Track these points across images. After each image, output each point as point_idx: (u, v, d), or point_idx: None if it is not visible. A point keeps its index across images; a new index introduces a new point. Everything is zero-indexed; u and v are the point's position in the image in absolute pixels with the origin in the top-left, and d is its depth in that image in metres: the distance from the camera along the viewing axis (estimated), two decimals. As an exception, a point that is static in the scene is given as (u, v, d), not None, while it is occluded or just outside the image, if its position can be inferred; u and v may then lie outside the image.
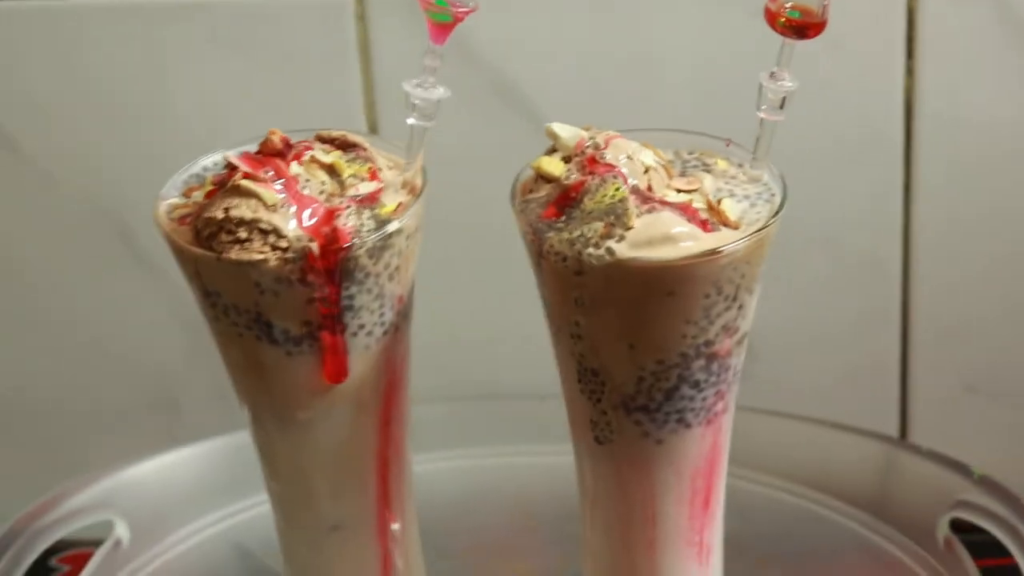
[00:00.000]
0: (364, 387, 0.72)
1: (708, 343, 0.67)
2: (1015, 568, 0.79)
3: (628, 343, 0.66)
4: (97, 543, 0.88)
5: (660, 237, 0.64)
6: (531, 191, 0.68)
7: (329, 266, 0.67)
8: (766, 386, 0.95)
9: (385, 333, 0.71)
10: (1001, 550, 0.81)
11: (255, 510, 0.90)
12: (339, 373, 0.71)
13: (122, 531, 0.88)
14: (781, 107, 0.67)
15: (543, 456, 0.90)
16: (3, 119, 0.97)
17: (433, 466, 0.91)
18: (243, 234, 0.67)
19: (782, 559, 0.86)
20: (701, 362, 0.67)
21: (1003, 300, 0.97)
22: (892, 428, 1.00)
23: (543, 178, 0.68)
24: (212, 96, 0.95)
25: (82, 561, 0.87)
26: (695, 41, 0.92)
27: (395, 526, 0.77)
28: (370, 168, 0.70)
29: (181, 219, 0.70)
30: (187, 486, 0.92)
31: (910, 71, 0.92)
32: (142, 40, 0.94)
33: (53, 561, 0.96)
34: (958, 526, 0.84)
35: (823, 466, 0.91)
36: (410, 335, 0.74)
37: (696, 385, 0.68)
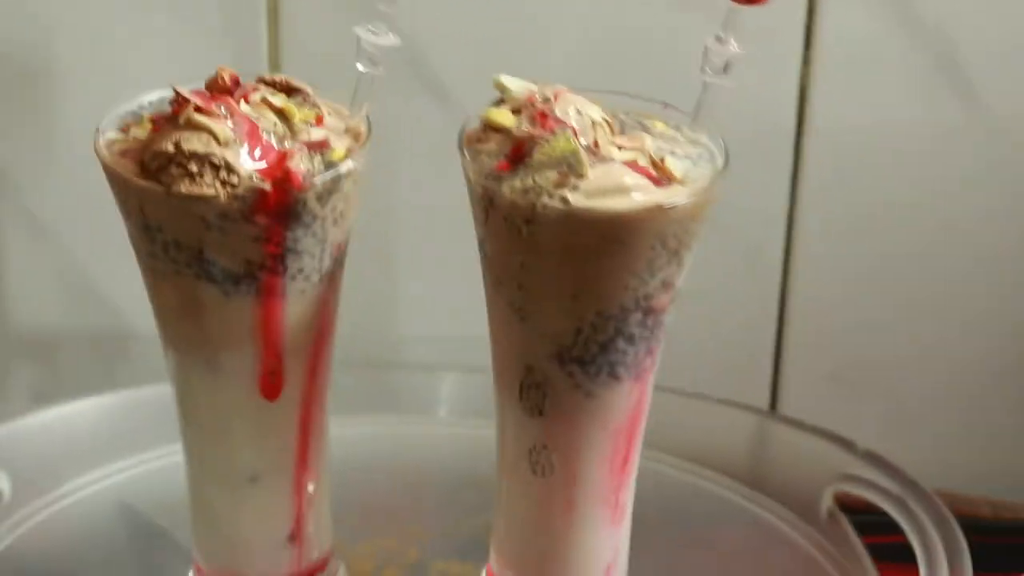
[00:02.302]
0: (297, 333, 0.72)
1: (647, 297, 0.68)
2: (899, 546, 0.81)
3: (571, 293, 0.67)
4: (-22, 496, 0.86)
5: (614, 188, 0.65)
6: (479, 141, 0.69)
7: (280, 207, 0.67)
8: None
9: (321, 280, 0.71)
10: (884, 528, 0.83)
11: (142, 467, 0.90)
12: (275, 390, 0.72)
13: (3, 484, 0.87)
14: (724, 71, 0.69)
15: (436, 427, 0.94)
16: None
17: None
18: (194, 168, 0.66)
19: (664, 530, 0.86)
20: (638, 316, 0.68)
21: (878, 297, 1.01)
22: (763, 404, 1.03)
23: (492, 129, 0.69)
24: (109, 50, 0.94)
25: (-38, 513, 0.85)
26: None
27: (310, 483, 0.76)
28: (317, 114, 0.71)
29: (122, 153, 0.69)
30: (73, 442, 0.90)
31: (806, 61, 0.95)
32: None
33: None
34: (842, 506, 0.87)
35: (700, 438, 0.92)
36: (342, 285, 0.74)
37: (631, 339, 0.69)
